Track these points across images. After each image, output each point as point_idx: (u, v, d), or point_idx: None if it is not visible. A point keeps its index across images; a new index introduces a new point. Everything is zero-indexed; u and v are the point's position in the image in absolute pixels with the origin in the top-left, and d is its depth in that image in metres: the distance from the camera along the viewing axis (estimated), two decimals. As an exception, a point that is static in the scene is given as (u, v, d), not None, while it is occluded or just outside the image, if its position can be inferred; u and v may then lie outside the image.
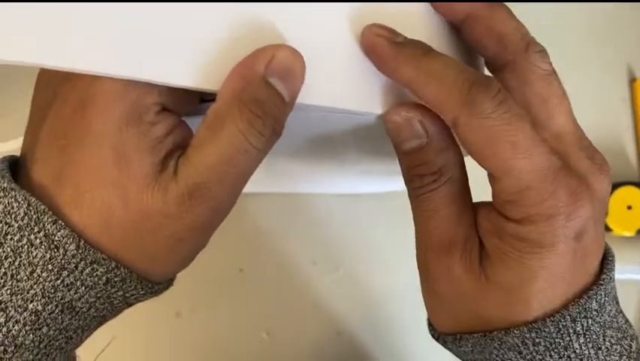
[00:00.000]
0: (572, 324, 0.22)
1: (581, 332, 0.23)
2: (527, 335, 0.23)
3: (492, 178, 0.22)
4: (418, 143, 0.23)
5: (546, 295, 0.22)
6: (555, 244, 0.22)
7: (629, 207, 0.51)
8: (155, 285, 0.23)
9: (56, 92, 0.22)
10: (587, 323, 0.23)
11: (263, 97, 0.20)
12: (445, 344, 0.26)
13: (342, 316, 0.45)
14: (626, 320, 0.25)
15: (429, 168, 0.24)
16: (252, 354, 0.43)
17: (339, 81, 0.23)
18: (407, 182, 0.25)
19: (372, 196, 0.46)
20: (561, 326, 0.22)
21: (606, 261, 0.24)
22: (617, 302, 0.25)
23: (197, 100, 0.23)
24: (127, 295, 0.22)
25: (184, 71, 0.20)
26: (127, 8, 0.20)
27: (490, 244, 0.23)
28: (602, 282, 0.23)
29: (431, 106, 0.23)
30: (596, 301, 0.23)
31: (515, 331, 0.23)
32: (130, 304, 0.24)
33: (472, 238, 0.24)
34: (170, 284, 0.25)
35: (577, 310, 0.22)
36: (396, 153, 0.25)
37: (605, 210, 0.24)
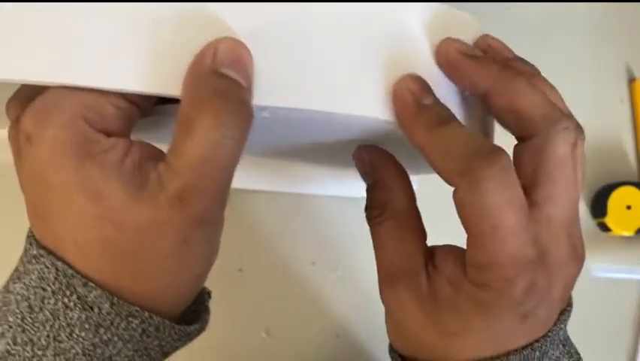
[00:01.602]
0: None
1: None
2: None
3: (467, 242, 0.23)
4: (370, 179, 0.27)
5: (482, 348, 0.24)
6: (500, 316, 0.23)
7: (629, 207, 0.51)
8: (187, 328, 0.24)
9: (19, 173, 0.23)
10: None
11: (221, 87, 0.21)
12: None
13: (341, 316, 0.45)
14: (571, 355, 0.26)
15: (374, 202, 0.27)
16: (251, 354, 0.43)
17: (330, 85, 0.23)
18: (365, 211, 0.27)
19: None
20: None
21: (562, 312, 0.25)
22: (567, 343, 0.26)
23: (134, 117, 0.23)
24: (162, 343, 0.23)
25: (136, 78, 0.21)
26: (67, 15, 0.20)
27: (442, 288, 0.24)
28: (549, 334, 0.24)
29: (433, 165, 0.23)
30: (540, 351, 0.24)
31: None
32: (166, 354, 0.24)
33: (417, 272, 0.25)
34: (203, 328, 0.26)
35: (517, 358, 0.24)
36: None
37: (571, 287, 0.25)
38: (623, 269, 0.51)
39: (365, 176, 0.27)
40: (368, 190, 0.27)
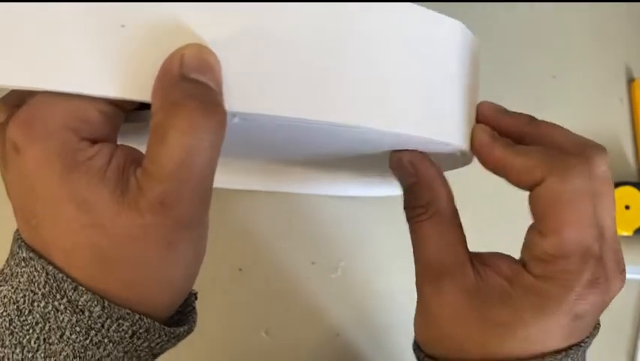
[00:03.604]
0: None
1: None
2: None
3: (536, 233, 0.25)
4: (412, 180, 0.28)
5: (522, 343, 0.25)
6: (556, 310, 0.25)
7: (627, 207, 0.51)
8: (176, 330, 0.24)
9: (5, 179, 0.23)
10: None
11: (191, 91, 0.21)
12: None
13: (341, 316, 0.45)
14: None
15: (418, 201, 0.28)
16: (251, 354, 0.43)
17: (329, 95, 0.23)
18: (405, 210, 0.29)
19: (372, 197, 0.46)
20: None
21: (595, 327, 0.27)
22: (585, 358, 0.28)
23: (119, 121, 0.23)
24: (152, 345, 0.23)
25: (113, 83, 0.21)
26: (41, 21, 0.20)
27: (494, 282, 0.26)
28: (582, 344, 0.26)
29: (517, 172, 0.26)
30: (571, 358, 0.25)
31: None
32: (155, 355, 0.25)
33: (463, 266, 0.27)
34: (191, 330, 0.26)
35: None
36: None
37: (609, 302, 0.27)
38: (622, 269, 0.51)
39: (405, 176, 0.28)
40: (408, 191, 0.28)
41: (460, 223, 0.28)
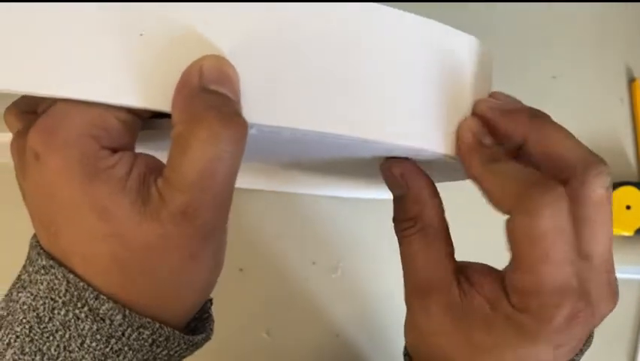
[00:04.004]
0: None
1: None
2: None
3: (513, 266, 0.24)
4: (400, 192, 0.27)
5: None
6: (535, 343, 0.24)
7: (628, 207, 0.51)
8: (194, 338, 0.24)
9: (22, 186, 0.23)
10: None
11: (212, 102, 0.21)
12: None
13: (341, 316, 0.45)
14: None
15: (406, 215, 0.27)
16: (251, 354, 0.43)
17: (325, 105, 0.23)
18: (393, 223, 0.28)
19: (372, 198, 0.46)
20: None
21: (585, 344, 0.26)
22: None
23: (138, 129, 0.23)
24: (171, 353, 0.23)
25: (133, 92, 0.21)
26: (61, 29, 0.20)
27: (478, 304, 0.25)
28: None
29: (489, 194, 0.24)
30: None
31: None
32: None
33: (448, 284, 0.26)
34: (209, 337, 0.26)
35: None
36: None
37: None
38: (622, 269, 0.51)
39: (395, 188, 0.28)
40: (397, 202, 0.28)
41: (449, 237, 0.27)
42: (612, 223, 0.25)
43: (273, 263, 0.44)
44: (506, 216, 0.24)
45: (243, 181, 0.41)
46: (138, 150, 0.23)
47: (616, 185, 0.52)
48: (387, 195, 0.46)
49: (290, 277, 0.44)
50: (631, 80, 0.56)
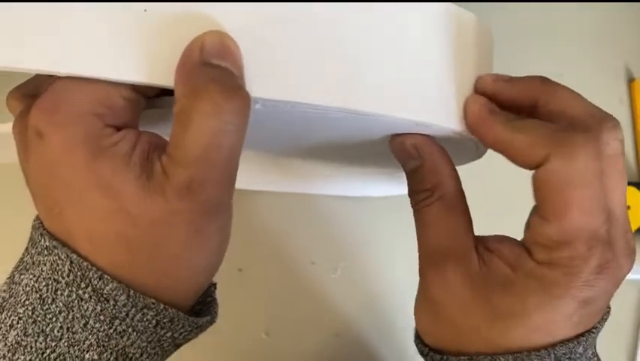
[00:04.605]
0: None
1: None
2: None
3: (539, 217, 0.24)
4: (416, 164, 0.27)
5: (527, 333, 0.24)
6: (561, 297, 0.23)
7: (628, 207, 0.51)
8: (199, 320, 0.24)
9: (24, 169, 0.23)
10: None
11: (214, 76, 0.21)
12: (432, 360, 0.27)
13: (341, 315, 0.45)
14: (599, 359, 0.27)
15: (423, 185, 0.27)
16: (251, 354, 0.43)
17: (331, 79, 0.23)
18: (409, 196, 0.27)
19: (372, 197, 0.46)
20: None
21: (605, 313, 0.25)
22: (595, 346, 0.26)
23: (141, 107, 0.23)
24: (175, 335, 0.23)
25: (137, 68, 0.21)
26: (68, 8, 0.20)
27: (498, 268, 0.25)
28: (593, 330, 0.25)
29: (517, 151, 0.24)
30: (583, 346, 0.24)
31: (501, 358, 0.24)
32: (178, 345, 0.24)
33: (467, 252, 0.25)
34: (214, 320, 0.26)
35: (563, 351, 0.24)
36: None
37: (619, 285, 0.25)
38: (622, 269, 0.51)
39: (408, 160, 0.27)
40: (412, 175, 0.27)
41: (467, 207, 0.27)
42: (626, 179, 0.25)
43: (272, 263, 0.44)
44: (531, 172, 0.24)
45: (242, 182, 0.41)
46: (144, 129, 0.23)
47: (616, 185, 0.52)
48: (384, 192, 0.46)
49: (290, 277, 0.44)
50: (631, 80, 0.56)
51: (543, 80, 0.26)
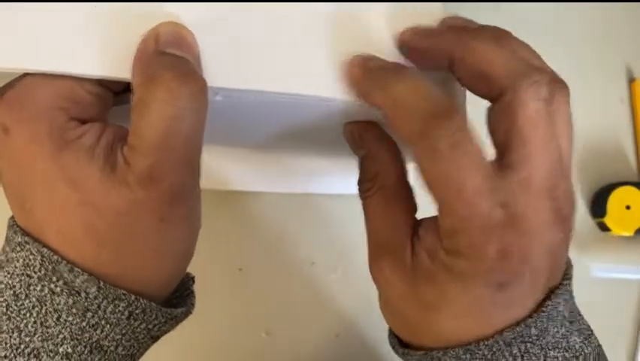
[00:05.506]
0: (508, 348, 0.22)
1: (518, 354, 0.22)
2: (463, 357, 0.23)
3: (437, 208, 0.22)
4: (362, 153, 0.26)
5: (465, 325, 0.23)
6: (475, 285, 0.22)
7: (628, 207, 0.51)
8: (173, 311, 0.24)
9: None
10: (525, 346, 0.22)
11: (168, 63, 0.21)
12: (401, 356, 0.27)
13: (341, 316, 0.45)
14: (585, 337, 0.24)
15: (367, 175, 0.26)
16: (251, 354, 0.43)
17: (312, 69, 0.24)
18: (357, 187, 0.27)
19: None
20: (495, 350, 0.23)
21: (560, 284, 0.24)
22: (575, 320, 0.24)
23: (108, 101, 0.23)
24: (150, 326, 0.23)
25: (96, 62, 0.21)
26: (29, 6, 0.21)
27: (421, 259, 0.24)
28: (543, 309, 0.23)
29: (395, 131, 0.23)
30: (535, 328, 0.22)
31: (452, 351, 0.23)
32: (154, 338, 0.24)
33: (403, 245, 0.24)
34: (189, 312, 0.26)
35: (511, 336, 0.22)
36: None
37: (560, 255, 0.23)
38: (622, 269, 0.50)
39: (356, 149, 0.27)
40: (359, 164, 0.27)
41: (410, 198, 0.25)
42: (562, 140, 0.22)
43: (272, 263, 0.44)
44: None
45: (242, 182, 0.41)
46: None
47: (616, 185, 0.52)
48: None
49: (290, 277, 0.44)
50: (631, 80, 0.56)
51: (459, 31, 0.23)
